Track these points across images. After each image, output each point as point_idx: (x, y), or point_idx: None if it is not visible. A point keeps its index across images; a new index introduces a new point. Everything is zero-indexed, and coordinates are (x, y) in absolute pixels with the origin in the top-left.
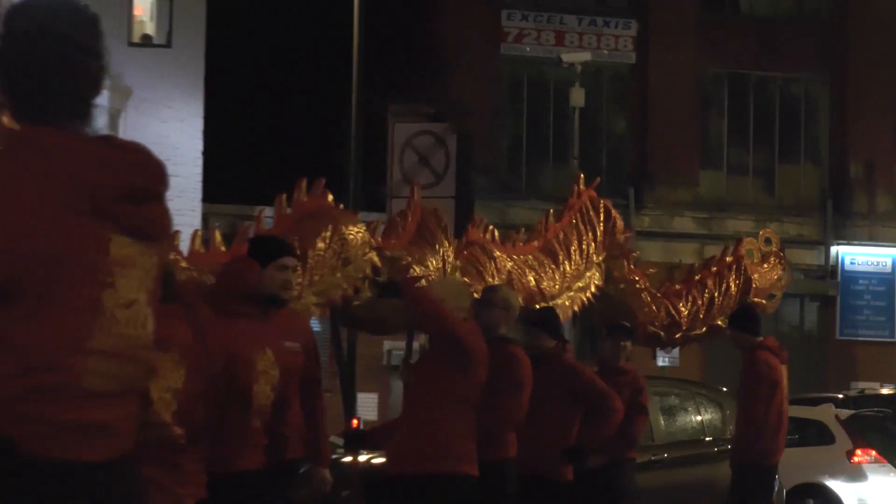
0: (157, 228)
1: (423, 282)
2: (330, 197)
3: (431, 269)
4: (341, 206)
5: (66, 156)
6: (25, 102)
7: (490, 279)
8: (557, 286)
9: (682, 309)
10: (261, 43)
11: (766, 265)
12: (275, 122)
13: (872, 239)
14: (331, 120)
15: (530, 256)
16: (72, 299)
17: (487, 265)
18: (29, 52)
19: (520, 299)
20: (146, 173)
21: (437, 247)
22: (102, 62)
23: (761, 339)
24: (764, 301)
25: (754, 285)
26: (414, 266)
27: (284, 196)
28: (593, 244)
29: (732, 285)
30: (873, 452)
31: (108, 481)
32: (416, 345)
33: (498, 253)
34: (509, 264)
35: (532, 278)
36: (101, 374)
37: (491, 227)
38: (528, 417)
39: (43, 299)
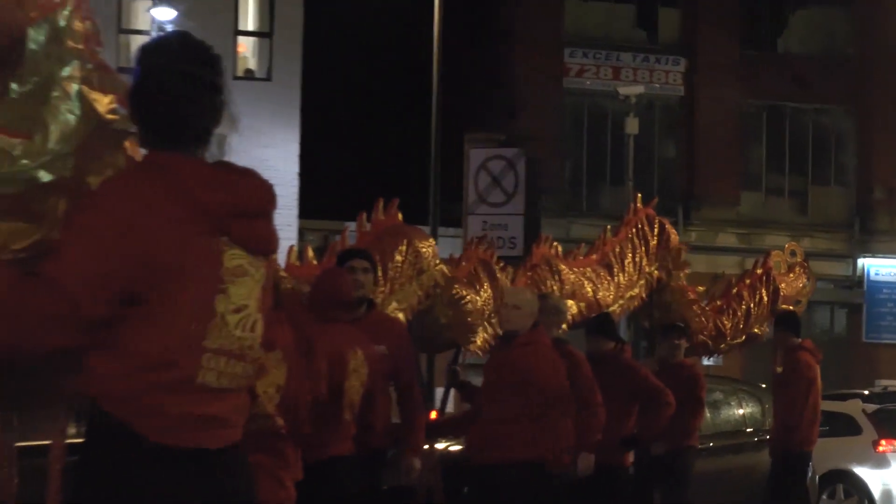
0: (266, 243)
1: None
2: (399, 216)
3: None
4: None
5: (191, 179)
6: (156, 132)
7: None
8: (612, 296)
9: (726, 322)
10: (351, 76)
11: (791, 275)
12: (363, 146)
13: (895, 253)
14: (414, 145)
15: (589, 269)
16: (189, 304)
17: (549, 281)
18: (161, 87)
19: (581, 307)
20: (258, 195)
21: (478, 288)
22: (223, 97)
23: (801, 340)
24: (791, 307)
25: (782, 293)
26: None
27: (364, 215)
28: (645, 257)
29: (764, 295)
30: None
31: (223, 467)
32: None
33: (562, 267)
34: (571, 276)
35: (590, 289)
36: (213, 371)
37: (556, 243)
38: None
39: (164, 304)
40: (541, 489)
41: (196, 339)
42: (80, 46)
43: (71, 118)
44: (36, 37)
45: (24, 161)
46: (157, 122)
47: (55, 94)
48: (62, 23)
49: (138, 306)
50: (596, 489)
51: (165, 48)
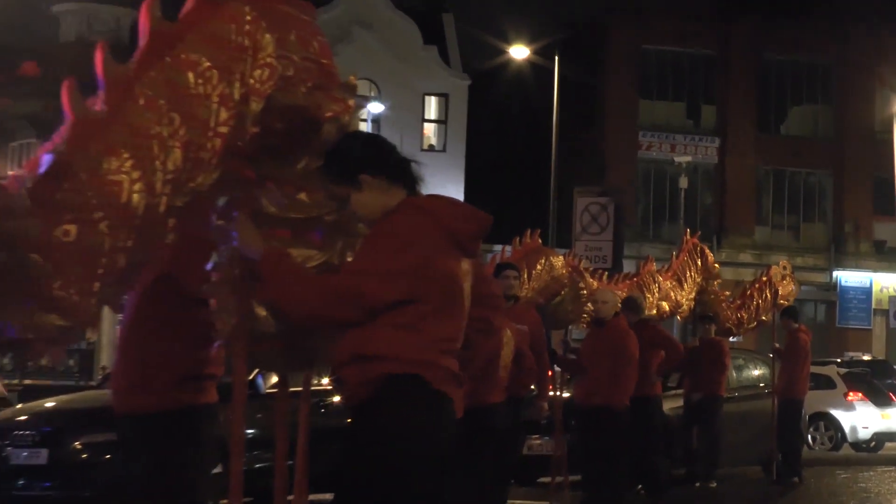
0: (478, 253)
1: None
2: (539, 240)
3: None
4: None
5: (441, 212)
6: (406, 185)
7: (652, 296)
8: (683, 298)
9: (744, 314)
10: (499, 148)
11: (784, 282)
12: (508, 194)
13: (858, 268)
14: (540, 194)
15: (671, 280)
16: (458, 301)
17: (652, 287)
18: (402, 159)
19: (670, 306)
20: (480, 218)
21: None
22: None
23: (798, 325)
24: (785, 303)
25: (780, 294)
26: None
27: (517, 239)
28: (696, 272)
29: (768, 295)
30: (859, 394)
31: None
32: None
33: (660, 279)
34: (666, 285)
35: (673, 294)
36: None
37: (654, 263)
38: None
39: (444, 301)
40: (615, 421)
41: (462, 321)
42: None
43: None
44: (328, 128)
45: (321, 209)
46: (408, 180)
47: None
48: (345, 120)
49: (425, 304)
50: (637, 410)
51: (382, 141)
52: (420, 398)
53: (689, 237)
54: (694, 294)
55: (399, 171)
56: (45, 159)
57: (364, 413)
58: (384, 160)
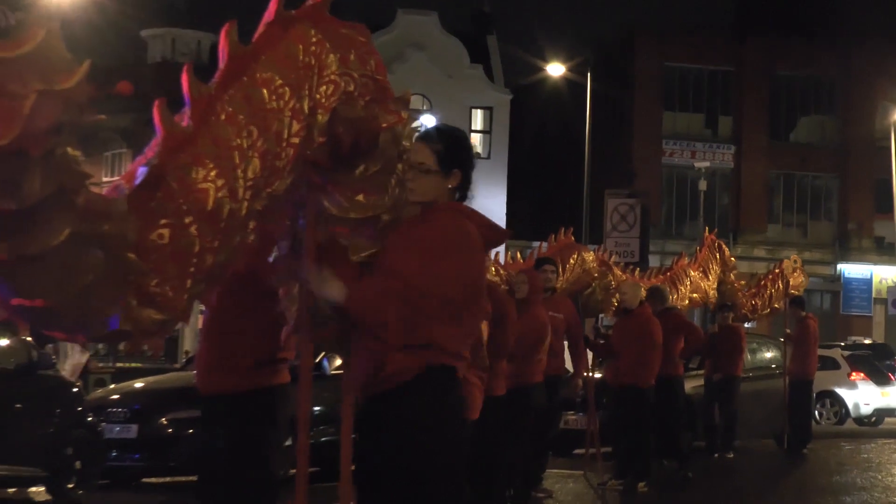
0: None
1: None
2: (572, 237)
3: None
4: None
5: (478, 220)
6: (461, 191)
7: (684, 287)
8: (710, 288)
9: (758, 302)
10: (537, 155)
11: (795, 274)
12: (545, 196)
13: (860, 262)
14: (575, 196)
15: (699, 273)
16: (478, 300)
17: (684, 279)
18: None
19: (699, 296)
20: (500, 231)
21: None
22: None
23: (806, 313)
24: (795, 293)
25: (791, 284)
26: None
27: (553, 236)
28: (716, 265)
29: (780, 286)
30: (862, 374)
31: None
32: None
33: (692, 272)
34: (696, 277)
35: (702, 285)
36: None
37: (687, 257)
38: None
39: (478, 301)
40: (642, 399)
41: (481, 318)
42: (407, 145)
43: (403, 189)
44: (384, 138)
45: (377, 209)
46: (466, 186)
47: (392, 172)
48: (399, 130)
49: (468, 301)
50: (662, 389)
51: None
52: (452, 386)
53: (708, 234)
54: (716, 284)
55: (468, 183)
56: (141, 171)
57: (401, 397)
58: (472, 170)
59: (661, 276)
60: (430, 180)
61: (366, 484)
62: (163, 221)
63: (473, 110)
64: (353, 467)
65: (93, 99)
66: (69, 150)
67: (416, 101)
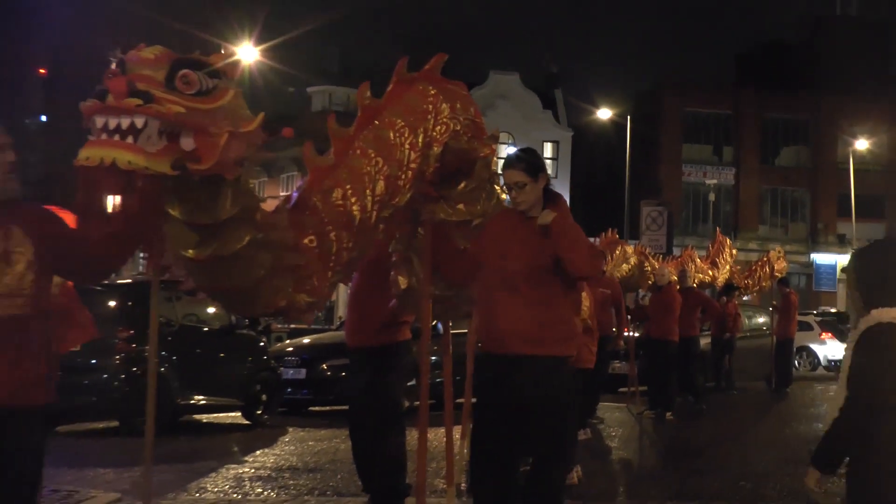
0: None
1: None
2: (616, 234)
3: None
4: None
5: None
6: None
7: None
8: (720, 275)
9: (751, 282)
10: (590, 175)
11: (779, 261)
12: (595, 207)
13: (827, 252)
14: (617, 206)
15: (706, 264)
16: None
17: (691, 265)
18: None
19: (709, 280)
20: None
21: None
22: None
23: (789, 289)
24: (779, 275)
25: (775, 269)
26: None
27: (602, 234)
28: (724, 256)
29: (767, 270)
30: (829, 334)
31: None
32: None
33: (697, 261)
34: (704, 266)
35: (711, 271)
36: None
37: (694, 249)
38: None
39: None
40: (668, 350)
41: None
42: (495, 170)
43: (490, 201)
44: (479, 164)
45: (471, 216)
46: (549, 180)
47: (484, 189)
48: (490, 159)
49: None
50: (683, 345)
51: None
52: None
53: (717, 234)
54: (726, 271)
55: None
56: (294, 195)
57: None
58: (547, 169)
59: (674, 261)
60: (529, 190)
61: (508, 415)
62: (311, 231)
63: (545, 143)
64: (473, 400)
65: (265, 141)
66: (250, 179)
67: (502, 137)
